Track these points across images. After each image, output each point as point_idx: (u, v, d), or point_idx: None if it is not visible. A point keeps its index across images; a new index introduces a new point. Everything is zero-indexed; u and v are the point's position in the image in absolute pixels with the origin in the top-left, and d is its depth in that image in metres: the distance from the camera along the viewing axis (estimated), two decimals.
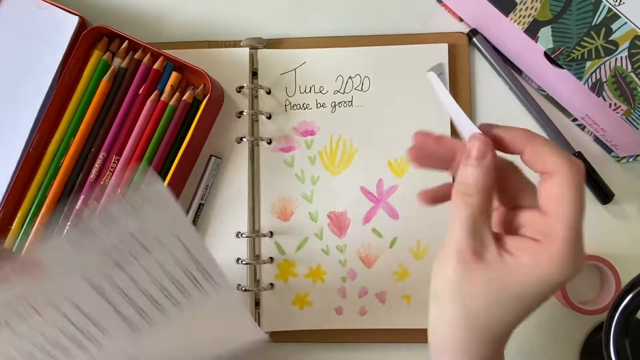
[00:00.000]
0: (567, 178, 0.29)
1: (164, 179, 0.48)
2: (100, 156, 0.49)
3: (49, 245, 0.33)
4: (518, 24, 0.46)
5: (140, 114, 0.49)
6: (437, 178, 0.50)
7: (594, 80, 0.45)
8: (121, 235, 0.32)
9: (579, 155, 0.50)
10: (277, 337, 0.50)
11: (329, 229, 0.51)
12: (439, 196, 0.35)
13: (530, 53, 0.47)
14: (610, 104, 0.45)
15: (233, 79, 0.52)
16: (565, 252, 0.29)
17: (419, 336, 0.46)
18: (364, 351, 0.51)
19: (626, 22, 0.45)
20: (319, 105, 0.52)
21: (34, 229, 0.48)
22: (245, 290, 0.50)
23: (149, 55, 0.50)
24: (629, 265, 0.50)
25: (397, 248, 0.50)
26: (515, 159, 0.33)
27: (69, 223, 0.48)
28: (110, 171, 0.49)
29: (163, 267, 0.34)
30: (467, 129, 0.32)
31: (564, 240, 0.29)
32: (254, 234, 0.51)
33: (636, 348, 0.39)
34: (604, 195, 0.50)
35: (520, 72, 0.52)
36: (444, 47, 0.51)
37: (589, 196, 0.51)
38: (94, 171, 0.49)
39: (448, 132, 0.50)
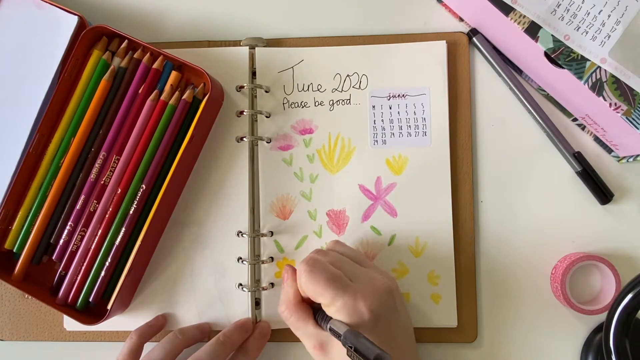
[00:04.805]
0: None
1: (164, 178, 0.48)
2: (100, 156, 0.49)
3: None
4: (518, 23, 0.45)
5: (140, 114, 0.49)
6: (436, 176, 0.50)
7: (594, 80, 0.45)
8: None
9: (579, 155, 0.50)
10: (277, 336, 0.50)
11: (328, 227, 0.51)
12: None
13: (530, 53, 0.47)
14: (610, 104, 0.44)
15: (233, 78, 0.52)
16: None
17: (418, 334, 0.46)
18: None
19: None
20: (317, 104, 0.52)
21: (34, 229, 0.49)
22: (246, 290, 0.50)
23: (148, 54, 0.50)
24: (629, 265, 0.50)
25: (395, 245, 0.50)
26: None
27: None
28: (110, 171, 0.49)
29: None
30: None
31: None
32: (254, 233, 0.51)
33: (636, 348, 0.39)
34: (604, 195, 0.50)
35: (520, 72, 0.51)
36: (442, 45, 0.51)
37: (589, 196, 0.50)
38: (94, 171, 0.49)
39: (446, 124, 0.51)
